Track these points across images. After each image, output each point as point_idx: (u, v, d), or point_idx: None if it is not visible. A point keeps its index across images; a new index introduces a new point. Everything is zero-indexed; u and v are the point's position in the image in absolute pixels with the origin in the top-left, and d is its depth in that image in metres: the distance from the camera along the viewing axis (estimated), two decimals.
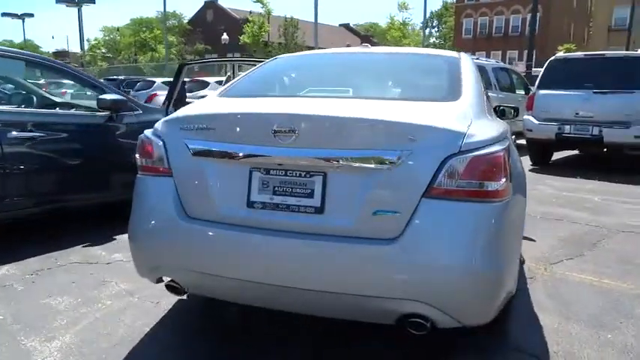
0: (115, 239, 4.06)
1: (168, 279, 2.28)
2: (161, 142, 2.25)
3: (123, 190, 4.48)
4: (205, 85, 14.27)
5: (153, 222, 2.24)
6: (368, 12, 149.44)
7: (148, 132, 2.38)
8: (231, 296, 2.27)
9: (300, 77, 2.88)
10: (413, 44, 35.98)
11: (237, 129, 2.10)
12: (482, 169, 1.87)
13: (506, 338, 2.53)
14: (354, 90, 2.55)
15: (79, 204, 4.28)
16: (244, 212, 2.06)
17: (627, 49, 19.88)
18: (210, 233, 2.09)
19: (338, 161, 1.93)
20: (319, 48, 37.91)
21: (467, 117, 2.06)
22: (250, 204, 2.05)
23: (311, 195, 1.98)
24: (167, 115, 3.96)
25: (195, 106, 2.43)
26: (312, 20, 27.12)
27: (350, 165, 1.92)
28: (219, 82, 13.63)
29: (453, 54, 2.96)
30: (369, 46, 3.14)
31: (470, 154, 1.87)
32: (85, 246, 3.89)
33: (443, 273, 1.84)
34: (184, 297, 2.66)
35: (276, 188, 2.02)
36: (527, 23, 38.09)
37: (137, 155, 2.38)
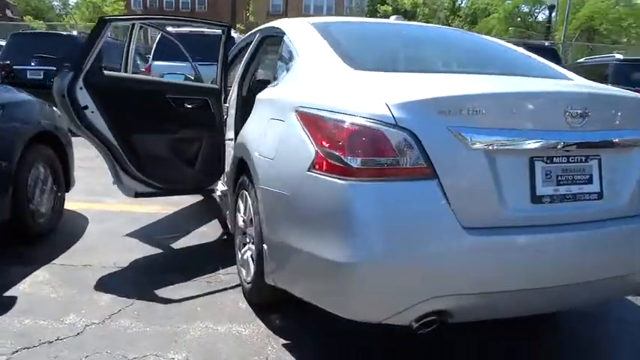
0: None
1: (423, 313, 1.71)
2: (405, 134, 1.64)
3: None
4: None
5: (419, 242, 1.63)
6: None
7: (361, 120, 1.68)
8: (503, 312, 1.88)
9: (415, 51, 2.45)
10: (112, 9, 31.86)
11: (522, 112, 1.75)
12: None
13: None
14: (496, 68, 2.37)
15: None
16: (529, 210, 1.76)
17: None
18: (501, 242, 1.70)
19: (614, 142, 1.88)
20: None
21: None
22: (537, 199, 1.76)
23: (590, 180, 1.86)
24: (72, 91, 2.69)
25: (452, 84, 1.84)
26: None
27: (624, 145, 1.90)
28: None
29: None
30: (402, 18, 2.91)
31: None
32: None
33: None
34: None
35: (559, 178, 1.80)
36: (197, 1, 39.35)
37: (347, 154, 1.66)
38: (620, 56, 9.18)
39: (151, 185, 3.15)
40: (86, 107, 2.79)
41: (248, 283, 2.50)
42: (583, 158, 1.85)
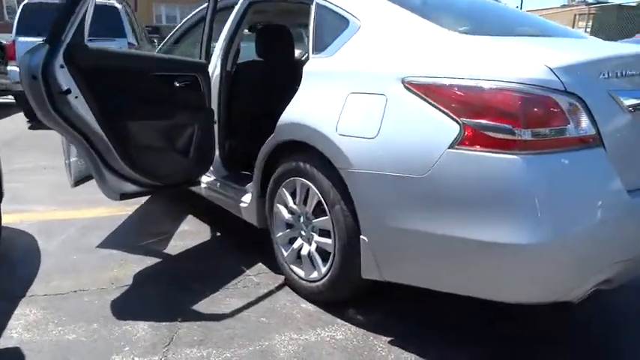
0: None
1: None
2: (574, 100, 1.53)
3: None
4: None
5: (595, 213, 1.55)
6: None
7: (525, 87, 1.52)
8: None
9: (478, 15, 2.29)
10: None
11: None
12: None
13: None
14: (565, 33, 2.33)
15: None
16: None
17: None
18: None
19: None
20: None
21: None
22: None
23: None
24: (48, 71, 2.12)
25: (603, 46, 1.73)
26: None
27: None
28: None
29: None
30: None
31: None
32: None
33: None
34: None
35: None
36: None
37: (515, 125, 1.51)
38: None
39: (140, 183, 2.61)
40: (68, 91, 2.17)
41: (313, 282, 2.22)
42: None
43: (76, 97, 2.19)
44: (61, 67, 2.12)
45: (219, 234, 3.15)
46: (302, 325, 2.09)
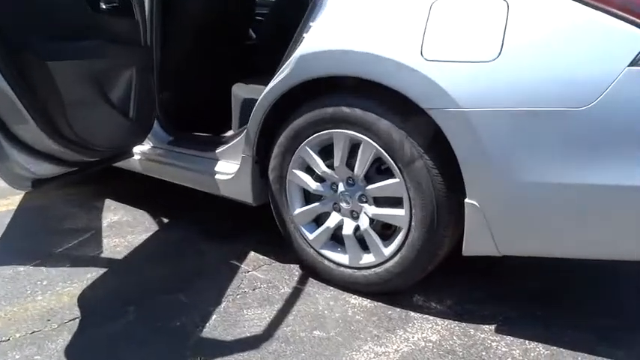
0: None
1: None
2: None
3: None
4: None
5: None
6: None
7: None
8: None
9: None
10: None
11: None
12: None
13: None
14: None
15: None
16: None
17: None
18: None
19: None
20: None
21: None
22: None
23: None
24: None
25: None
26: None
27: None
28: None
29: None
30: None
31: None
32: None
33: None
34: None
35: None
36: None
37: None
38: None
39: (64, 160, 1.71)
40: None
41: (367, 268, 1.65)
42: None
43: None
44: None
45: (166, 221, 2.33)
46: (375, 331, 1.53)
